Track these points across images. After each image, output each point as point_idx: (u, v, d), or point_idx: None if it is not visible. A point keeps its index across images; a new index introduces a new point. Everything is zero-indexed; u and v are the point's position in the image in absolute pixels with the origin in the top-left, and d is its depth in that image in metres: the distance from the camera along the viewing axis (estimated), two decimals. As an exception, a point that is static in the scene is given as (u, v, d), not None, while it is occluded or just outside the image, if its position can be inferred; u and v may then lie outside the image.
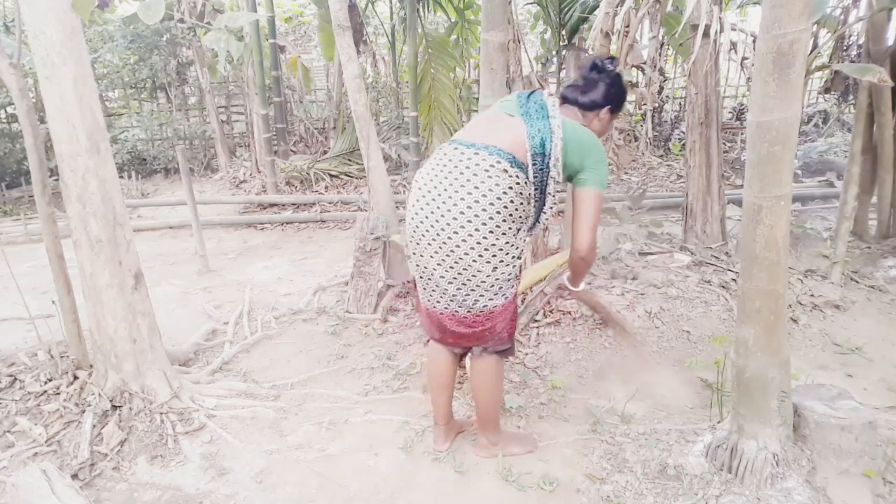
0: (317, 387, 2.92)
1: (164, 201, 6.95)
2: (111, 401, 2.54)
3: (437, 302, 2.06)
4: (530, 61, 4.26)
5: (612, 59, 2.11)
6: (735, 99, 9.97)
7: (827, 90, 5.48)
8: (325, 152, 8.15)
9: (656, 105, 8.54)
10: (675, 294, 3.64)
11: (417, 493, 2.18)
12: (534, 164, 1.91)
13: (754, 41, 3.19)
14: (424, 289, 2.09)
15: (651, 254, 4.24)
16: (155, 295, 3.05)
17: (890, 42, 4.12)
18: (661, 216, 5.71)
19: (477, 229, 1.88)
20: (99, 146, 2.41)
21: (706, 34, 3.21)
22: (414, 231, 2.00)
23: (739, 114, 9.41)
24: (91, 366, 2.71)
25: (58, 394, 2.62)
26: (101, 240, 2.46)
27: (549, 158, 1.91)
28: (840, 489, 1.96)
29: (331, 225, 6.20)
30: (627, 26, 3.40)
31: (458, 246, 1.90)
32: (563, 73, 7.73)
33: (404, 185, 7.04)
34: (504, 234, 1.92)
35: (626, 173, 7.78)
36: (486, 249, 1.91)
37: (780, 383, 1.98)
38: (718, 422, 2.32)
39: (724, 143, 7.03)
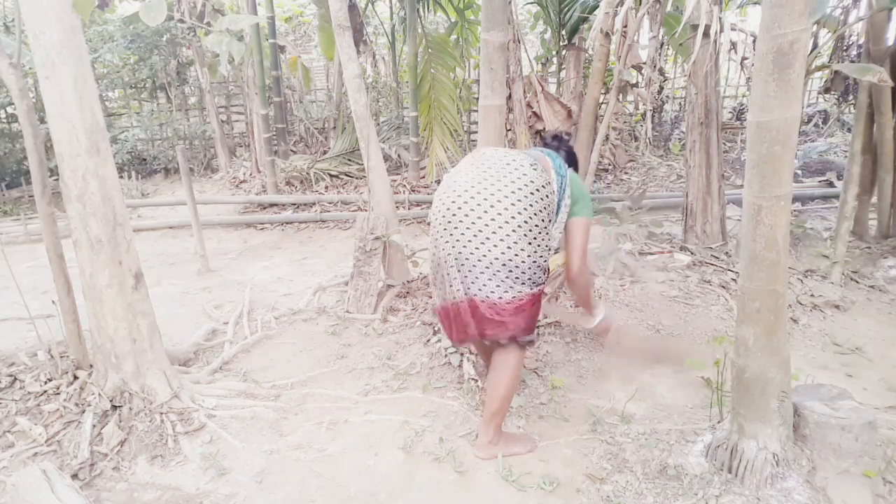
0: (317, 387, 2.92)
1: (164, 201, 6.95)
2: (111, 401, 2.54)
3: (470, 287, 2.11)
4: (530, 61, 4.27)
5: (569, 134, 2.67)
6: (735, 99, 9.97)
7: (827, 90, 5.48)
8: (325, 152, 8.15)
9: (656, 105, 8.53)
10: (675, 294, 3.64)
11: (417, 494, 2.18)
12: (556, 182, 2.20)
13: (754, 41, 3.19)
14: (465, 277, 2.12)
15: (651, 254, 4.24)
16: (155, 295, 3.05)
17: (890, 42, 4.12)
18: (661, 216, 5.71)
19: (521, 202, 2.06)
20: (99, 146, 2.41)
21: (706, 34, 3.21)
22: (449, 209, 2.12)
23: (739, 114, 9.41)
24: (91, 366, 2.71)
25: (58, 394, 2.62)
26: (101, 240, 2.46)
27: (567, 179, 2.23)
28: (840, 489, 1.96)
29: (331, 225, 6.20)
30: (626, 26, 3.40)
31: (500, 214, 2.05)
32: (563, 73, 7.74)
33: (404, 185, 7.04)
34: (537, 224, 2.09)
35: (625, 173, 7.78)
36: (529, 229, 2.07)
37: (780, 383, 1.98)
38: (718, 422, 2.32)
39: (724, 143, 7.03)
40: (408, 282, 4.00)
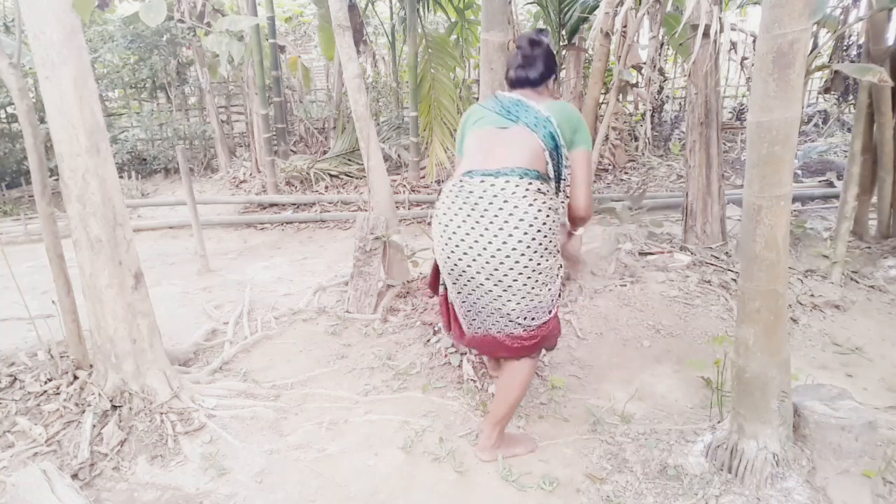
0: (317, 387, 2.92)
1: (164, 201, 6.95)
2: (111, 401, 2.54)
3: (491, 328, 2.07)
4: (530, 61, 4.26)
5: (542, 30, 2.18)
6: (735, 99, 9.97)
7: (827, 90, 5.48)
8: (325, 152, 8.15)
9: (656, 105, 8.53)
10: (675, 294, 3.64)
11: (417, 493, 2.18)
12: (553, 160, 1.98)
13: (754, 41, 3.19)
14: (474, 318, 2.09)
15: (651, 254, 4.24)
16: (155, 295, 3.05)
17: (890, 42, 4.12)
18: (661, 216, 5.71)
19: (525, 255, 1.90)
20: (99, 146, 2.41)
21: (706, 34, 3.21)
22: (452, 270, 2.00)
23: (739, 114, 9.41)
24: (91, 366, 2.71)
25: (58, 394, 2.62)
26: (101, 240, 2.46)
27: (561, 147, 1.99)
28: (840, 489, 1.96)
29: (331, 225, 6.20)
30: (626, 26, 3.40)
31: (507, 275, 1.92)
32: (563, 73, 7.74)
33: (404, 185, 7.04)
34: (548, 251, 1.96)
35: (625, 173, 7.78)
36: (539, 273, 1.95)
37: (780, 383, 1.98)
38: (718, 422, 2.32)
39: (724, 143, 7.03)
40: (408, 282, 4.00)
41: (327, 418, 2.65)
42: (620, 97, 3.72)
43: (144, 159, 8.21)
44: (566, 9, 6.70)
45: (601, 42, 3.58)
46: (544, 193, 1.94)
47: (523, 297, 1.97)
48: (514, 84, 2.13)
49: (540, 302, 2.01)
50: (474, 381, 2.83)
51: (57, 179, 2.47)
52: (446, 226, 1.99)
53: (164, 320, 3.20)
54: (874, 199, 4.55)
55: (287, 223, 6.25)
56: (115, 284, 2.52)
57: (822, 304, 3.57)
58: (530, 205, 1.88)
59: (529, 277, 1.94)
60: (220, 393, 2.82)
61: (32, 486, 2.03)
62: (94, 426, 2.43)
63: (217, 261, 5.02)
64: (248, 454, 2.42)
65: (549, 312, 2.08)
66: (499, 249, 1.89)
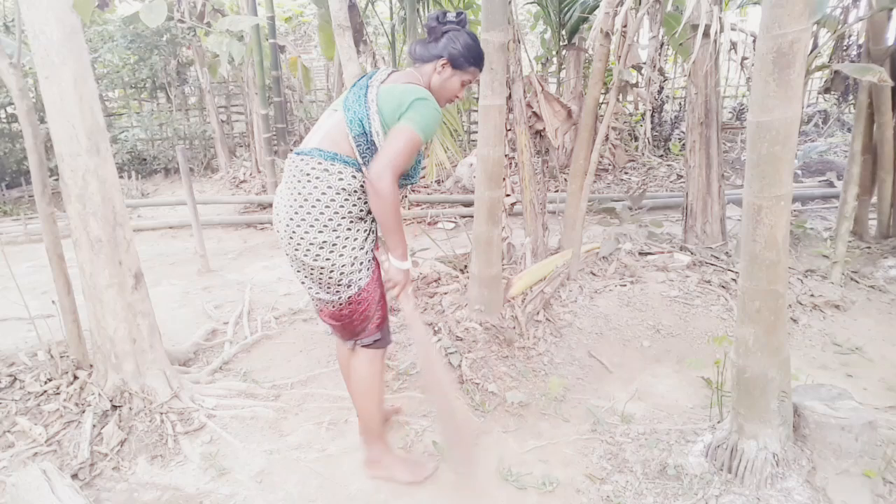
0: (317, 387, 2.92)
1: (164, 201, 6.95)
2: (111, 401, 2.54)
3: (312, 298, 2.13)
4: (530, 61, 4.26)
5: (461, 13, 2.09)
6: (735, 99, 9.97)
7: (827, 90, 5.48)
8: (325, 152, 8.14)
9: (656, 105, 8.53)
10: (675, 294, 3.64)
11: (418, 493, 2.18)
12: (359, 146, 1.94)
13: (754, 41, 3.19)
14: (302, 283, 2.14)
15: (651, 254, 4.24)
16: (155, 295, 3.05)
17: (890, 42, 4.12)
18: (661, 216, 5.72)
19: (306, 231, 1.94)
20: (99, 146, 2.41)
21: (706, 34, 3.21)
22: (280, 240, 2.08)
23: (739, 114, 9.41)
24: (91, 366, 2.71)
25: (58, 394, 2.62)
26: (101, 240, 2.46)
27: (370, 135, 1.93)
28: (840, 489, 1.96)
29: (331, 225, 6.19)
30: (626, 26, 3.40)
31: (297, 248, 1.97)
32: (563, 73, 7.74)
33: (404, 185, 7.03)
34: (334, 230, 1.95)
35: (625, 173, 7.78)
36: (320, 248, 1.95)
37: (780, 383, 1.98)
38: (718, 422, 2.32)
39: (724, 143, 7.03)
40: (408, 282, 3.99)
41: (327, 418, 2.65)
42: (620, 97, 3.72)
43: (144, 159, 8.21)
44: (566, 9, 6.70)
45: (601, 42, 3.58)
46: (332, 174, 1.93)
47: (312, 270, 1.99)
48: (409, 54, 2.14)
49: (329, 277, 1.99)
50: (474, 381, 2.83)
51: (57, 179, 2.47)
52: (276, 197, 2.09)
53: (164, 320, 3.20)
54: (874, 199, 4.55)
55: (287, 223, 6.24)
56: (115, 284, 2.52)
57: (822, 304, 3.57)
58: (309, 181, 1.94)
59: (308, 251, 1.96)
60: (220, 393, 2.82)
61: (32, 486, 2.03)
62: (94, 426, 2.43)
63: (217, 261, 5.02)
64: (248, 454, 2.42)
65: (346, 290, 2.00)
66: (287, 225, 1.97)
